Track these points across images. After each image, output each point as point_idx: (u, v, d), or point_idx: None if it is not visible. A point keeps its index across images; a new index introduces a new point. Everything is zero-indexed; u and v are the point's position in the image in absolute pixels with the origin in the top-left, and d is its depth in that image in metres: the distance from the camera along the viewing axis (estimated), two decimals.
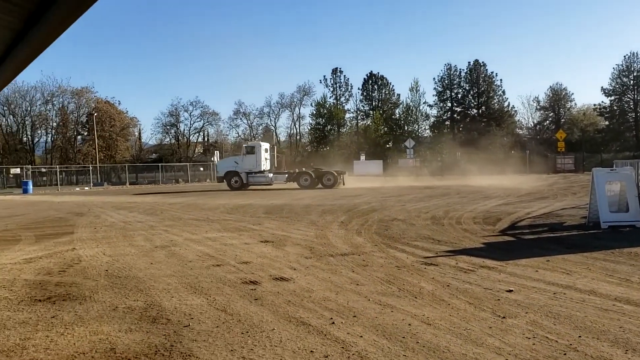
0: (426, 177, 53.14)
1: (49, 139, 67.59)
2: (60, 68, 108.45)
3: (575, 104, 77.01)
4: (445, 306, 4.89)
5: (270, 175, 34.47)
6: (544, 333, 4.07)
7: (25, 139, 65.78)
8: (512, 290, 5.39)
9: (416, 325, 4.35)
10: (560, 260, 7.01)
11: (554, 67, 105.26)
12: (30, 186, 40.89)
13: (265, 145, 36.41)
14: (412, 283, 5.87)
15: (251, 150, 34.80)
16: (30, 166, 52.13)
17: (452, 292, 5.40)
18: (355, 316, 4.63)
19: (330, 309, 4.86)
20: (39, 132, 67.18)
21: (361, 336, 4.10)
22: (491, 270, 6.49)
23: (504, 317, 4.49)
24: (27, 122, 65.03)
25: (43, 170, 55.83)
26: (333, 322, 4.46)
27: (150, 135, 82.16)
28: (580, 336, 3.99)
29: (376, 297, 5.27)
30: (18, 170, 49.43)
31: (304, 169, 36.47)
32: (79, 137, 69.63)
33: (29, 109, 64.36)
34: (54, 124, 66.93)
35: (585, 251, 7.62)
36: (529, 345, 3.83)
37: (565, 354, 3.64)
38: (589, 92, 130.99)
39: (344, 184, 33.94)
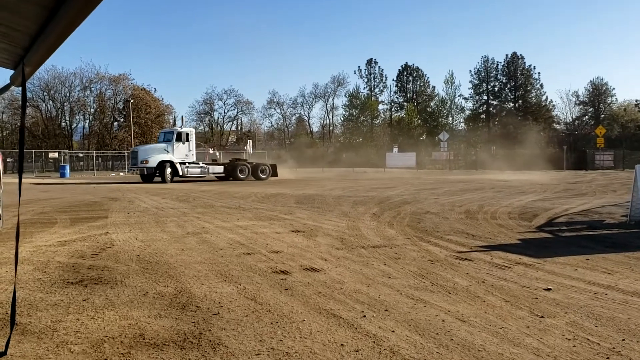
0: (460, 170, 52.54)
1: (87, 124, 69.16)
2: (99, 55, 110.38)
3: (616, 99, 75.01)
4: (481, 303, 4.74)
5: (206, 166, 31.59)
6: (584, 335, 3.89)
7: (63, 124, 67.39)
8: (550, 289, 5.19)
9: (450, 321, 4.22)
10: (601, 259, 6.76)
11: (595, 61, 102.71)
12: (68, 170, 41.88)
13: None
14: (446, 278, 5.72)
15: (186, 137, 30.98)
16: (68, 151, 53.35)
17: (488, 289, 5.23)
18: (387, 310, 4.52)
19: (361, 302, 4.76)
20: (77, 117, 68.87)
21: (393, 331, 3.99)
22: (528, 267, 6.29)
23: (542, 317, 4.32)
24: (65, 108, 66.63)
25: (80, 155, 57.08)
26: (364, 316, 4.36)
27: (184, 122, 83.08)
28: (624, 339, 3.80)
29: (409, 291, 5.14)
30: (56, 155, 50.68)
31: (238, 160, 34.07)
32: (116, 123, 70.99)
33: (67, 94, 65.94)
34: (92, 110, 68.48)
35: (627, 251, 7.34)
36: (569, 347, 3.66)
37: (608, 358, 3.46)
38: (631, 87, 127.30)
39: (276, 176, 33.14)
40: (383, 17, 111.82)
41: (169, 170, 29.52)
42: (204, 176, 31.42)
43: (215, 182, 29.33)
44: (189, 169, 30.32)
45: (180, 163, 30.03)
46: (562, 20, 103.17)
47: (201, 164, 31.35)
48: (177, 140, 30.46)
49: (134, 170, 31.38)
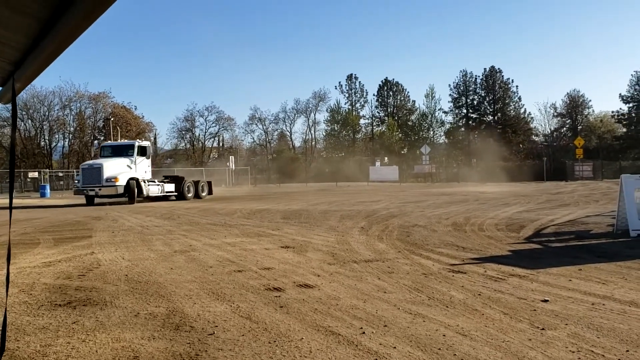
0: (442, 183, 52.82)
1: (66, 143, 68.22)
2: (78, 73, 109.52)
3: (593, 111, 76.15)
4: (479, 316, 4.68)
5: (161, 184, 27.61)
6: (588, 346, 3.85)
7: (43, 143, 66.41)
8: (547, 300, 5.16)
9: (451, 336, 4.15)
10: (593, 269, 6.76)
11: (572, 73, 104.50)
12: (48, 190, 41.09)
13: None
14: (442, 291, 5.67)
15: (149, 152, 27.69)
16: (47, 170, 52.53)
17: (485, 302, 5.18)
18: (386, 326, 4.44)
19: (359, 318, 4.68)
20: (57, 136, 67.91)
21: (394, 347, 3.91)
22: (522, 279, 6.26)
23: (543, 329, 4.27)
24: (45, 127, 65.73)
25: (60, 174, 56.19)
26: (363, 332, 4.27)
27: (165, 140, 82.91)
28: (627, 350, 3.76)
29: (406, 306, 5.07)
30: (36, 174, 49.83)
31: (183, 178, 29.28)
32: (96, 141, 70.11)
33: (47, 113, 65.07)
34: (71, 128, 67.60)
35: (618, 260, 7.35)
36: (574, 359, 3.61)
37: None
38: (607, 99, 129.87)
39: (211, 194, 31.05)
40: (363, 32, 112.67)
41: (137, 189, 25.56)
42: (162, 194, 27.53)
43: (208, 199, 28.82)
44: (150, 187, 26.54)
45: (143, 181, 26.28)
46: (539, 33, 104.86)
47: (157, 182, 27.51)
48: (140, 154, 26.75)
49: (92, 190, 25.29)
